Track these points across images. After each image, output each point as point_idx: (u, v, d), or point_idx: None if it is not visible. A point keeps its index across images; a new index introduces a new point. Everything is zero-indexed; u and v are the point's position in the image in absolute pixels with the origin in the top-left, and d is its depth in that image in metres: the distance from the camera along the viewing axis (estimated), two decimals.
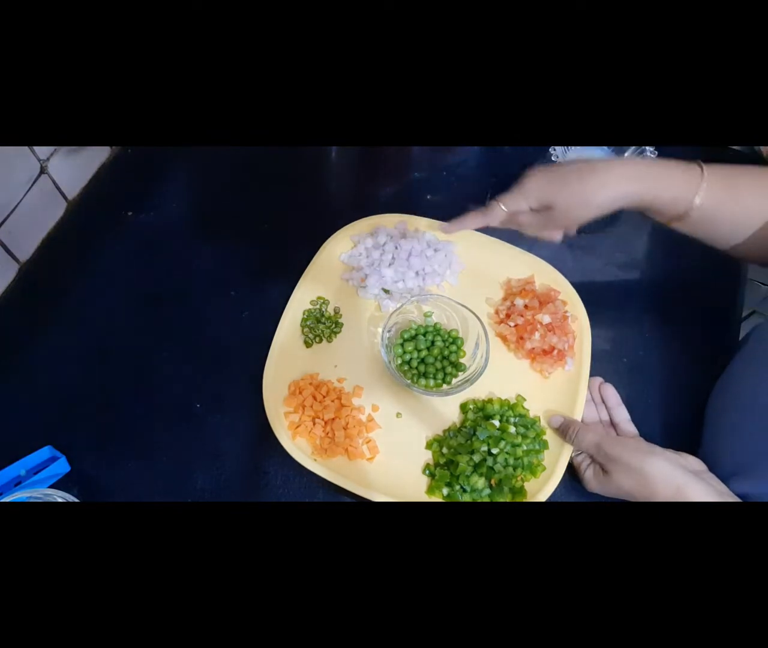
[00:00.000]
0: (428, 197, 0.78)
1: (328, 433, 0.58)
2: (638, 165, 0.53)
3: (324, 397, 0.60)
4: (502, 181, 0.78)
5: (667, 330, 0.67)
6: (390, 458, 0.58)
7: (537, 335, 0.62)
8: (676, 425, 0.61)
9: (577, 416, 0.59)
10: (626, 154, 0.77)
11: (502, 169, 0.80)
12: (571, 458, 0.57)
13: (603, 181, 0.51)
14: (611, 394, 0.61)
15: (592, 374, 0.63)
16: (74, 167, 0.76)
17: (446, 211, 0.75)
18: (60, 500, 0.50)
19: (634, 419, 0.60)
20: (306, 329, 0.65)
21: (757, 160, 0.79)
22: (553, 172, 0.55)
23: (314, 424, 0.58)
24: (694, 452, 0.54)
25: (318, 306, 0.67)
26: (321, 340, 0.65)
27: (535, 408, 0.60)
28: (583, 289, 0.69)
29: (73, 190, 0.77)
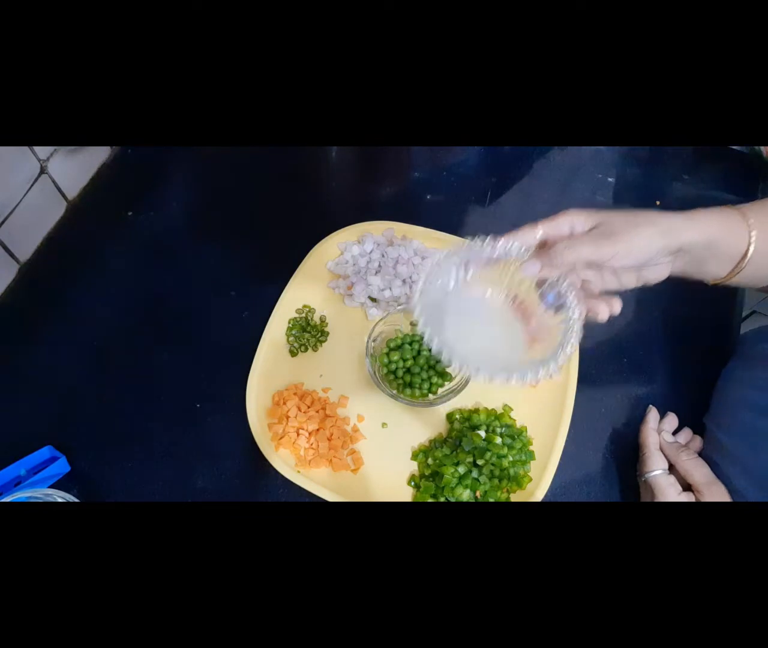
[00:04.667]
0: (428, 197, 0.78)
1: (312, 445, 0.58)
2: (681, 215, 0.47)
3: (308, 407, 0.60)
4: (502, 181, 0.79)
5: (667, 330, 0.67)
6: (375, 469, 0.58)
7: None
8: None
9: (564, 425, 0.59)
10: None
11: (502, 169, 0.80)
12: (648, 479, 0.53)
13: (657, 225, 0.46)
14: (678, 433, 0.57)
15: (590, 375, 0.63)
16: (74, 167, 0.76)
17: (446, 211, 0.76)
18: (60, 500, 0.50)
19: (635, 417, 0.60)
20: (291, 338, 0.65)
21: (758, 161, 0.79)
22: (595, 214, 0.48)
23: (298, 435, 0.58)
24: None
25: (304, 314, 0.67)
26: (306, 349, 0.65)
27: (522, 417, 0.60)
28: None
29: (73, 190, 0.77)
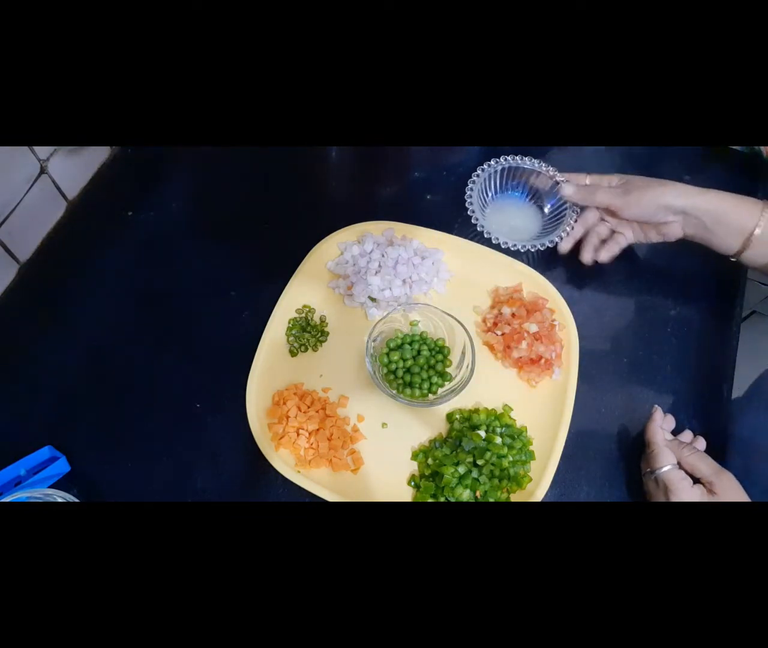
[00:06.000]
0: (428, 197, 0.78)
1: (312, 445, 0.58)
2: (699, 190, 0.59)
3: (308, 407, 0.60)
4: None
5: (667, 330, 0.67)
6: (375, 469, 0.58)
7: (524, 344, 0.62)
8: (675, 425, 0.61)
9: (564, 425, 0.58)
10: (546, 208, 0.74)
11: None
12: (660, 475, 0.53)
13: (667, 187, 0.60)
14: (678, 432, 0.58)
15: (590, 375, 0.63)
16: (74, 167, 0.76)
17: (446, 211, 0.76)
18: (60, 500, 0.50)
19: (635, 417, 0.60)
20: (291, 338, 0.65)
21: (757, 160, 0.79)
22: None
23: (298, 435, 0.58)
24: None
25: (304, 314, 0.67)
26: (306, 349, 0.65)
27: (522, 417, 0.60)
28: (583, 289, 0.69)
29: (73, 190, 0.77)
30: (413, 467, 0.58)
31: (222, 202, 0.78)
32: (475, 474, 0.55)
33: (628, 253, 0.72)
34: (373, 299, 0.67)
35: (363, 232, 0.71)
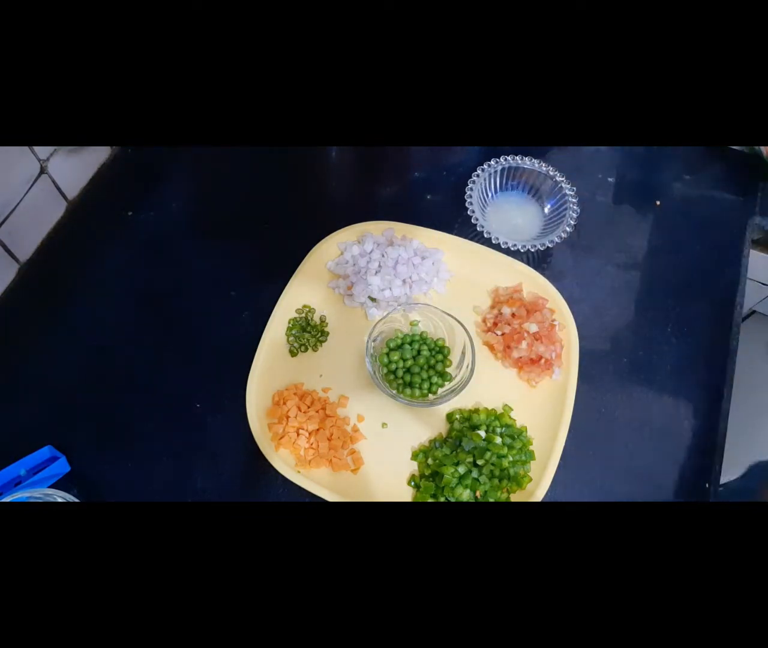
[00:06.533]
0: (428, 197, 0.78)
1: (312, 445, 0.58)
2: None
3: (308, 407, 0.60)
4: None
5: (667, 330, 0.67)
6: (375, 469, 0.58)
7: (524, 344, 0.62)
8: (675, 424, 0.61)
9: (564, 425, 0.58)
10: (546, 208, 0.74)
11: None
12: None
13: None
14: None
15: (590, 375, 0.63)
16: (74, 167, 0.76)
17: (446, 211, 0.76)
18: (60, 500, 0.50)
19: (635, 417, 0.60)
20: (291, 338, 0.65)
21: (757, 160, 0.79)
22: None
23: (298, 435, 0.58)
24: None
25: (304, 314, 0.67)
26: (306, 349, 0.65)
27: (522, 417, 0.60)
28: (583, 289, 0.69)
29: (73, 190, 0.77)
30: (413, 467, 0.58)
31: (222, 202, 0.78)
32: (475, 474, 0.55)
33: (628, 254, 0.73)
34: (373, 299, 0.67)
35: (363, 232, 0.71)
